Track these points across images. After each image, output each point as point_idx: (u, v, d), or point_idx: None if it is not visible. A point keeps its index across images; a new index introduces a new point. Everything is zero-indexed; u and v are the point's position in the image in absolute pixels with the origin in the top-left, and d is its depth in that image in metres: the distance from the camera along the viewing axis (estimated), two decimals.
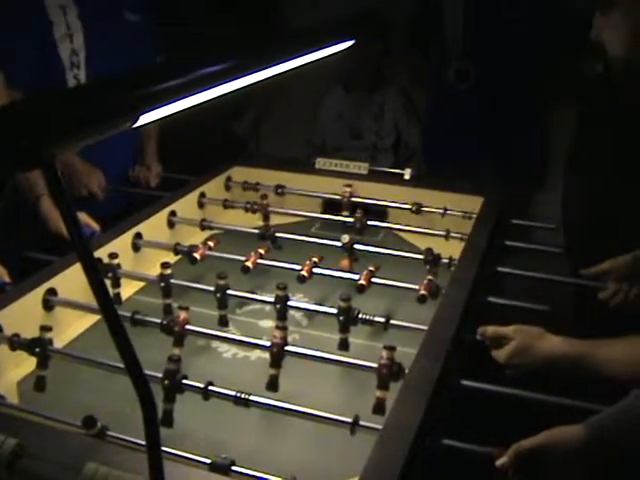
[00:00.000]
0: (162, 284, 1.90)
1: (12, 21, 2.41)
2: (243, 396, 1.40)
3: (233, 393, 1.41)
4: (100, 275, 0.95)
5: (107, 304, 0.96)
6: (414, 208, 2.44)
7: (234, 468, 1.24)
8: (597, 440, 1.21)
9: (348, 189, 2.56)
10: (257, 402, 1.41)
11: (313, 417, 1.38)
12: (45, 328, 1.58)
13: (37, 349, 1.54)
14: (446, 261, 2.05)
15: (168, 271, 1.91)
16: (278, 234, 2.24)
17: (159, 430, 0.93)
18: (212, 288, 1.85)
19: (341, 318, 1.70)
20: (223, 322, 1.85)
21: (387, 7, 3.40)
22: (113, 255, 1.96)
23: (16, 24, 2.40)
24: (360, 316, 1.70)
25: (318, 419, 1.37)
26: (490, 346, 1.59)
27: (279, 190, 2.62)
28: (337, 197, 2.57)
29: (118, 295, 1.95)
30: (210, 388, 1.42)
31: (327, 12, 3.34)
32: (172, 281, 1.91)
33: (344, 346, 1.71)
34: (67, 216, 0.95)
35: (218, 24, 3.39)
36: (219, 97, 1.29)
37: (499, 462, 1.26)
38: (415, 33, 3.43)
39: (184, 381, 1.43)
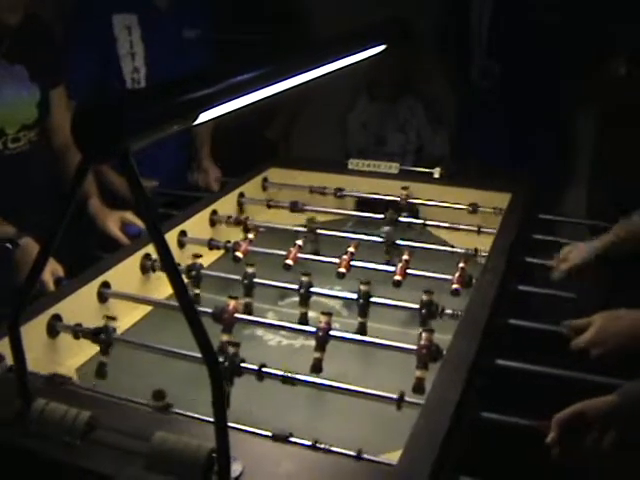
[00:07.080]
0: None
1: (80, 35, 2.59)
2: (290, 375, 1.48)
3: (281, 373, 1.49)
4: (172, 258, 1.06)
5: (181, 287, 1.06)
6: (446, 205, 2.52)
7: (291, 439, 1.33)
8: (627, 401, 1.26)
9: (405, 192, 2.60)
10: (302, 380, 1.50)
11: (361, 394, 1.45)
12: (110, 317, 1.67)
13: (102, 335, 1.63)
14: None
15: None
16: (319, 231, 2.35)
17: (225, 399, 1.02)
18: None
19: (423, 311, 1.79)
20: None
21: (412, 13, 3.46)
22: (197, 255, 2.06)
23: (84, 38, 2.58)
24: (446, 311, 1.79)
25: (366, 396, 1.45)
26: (571, 337, 1.65)
27: (315, 190, 2.69)
28: (370, 196, 2.65)
29: (198, 296, 2.02)
30: (263, 370, 1.50)
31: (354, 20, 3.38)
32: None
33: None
34: (141, 203, 1.06)
35: (248, 32, 3.47)
36: (265, 99, 1.41)
37: (549, 439, 1.29)
38: (441, 36, 3.48)
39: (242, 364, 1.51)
